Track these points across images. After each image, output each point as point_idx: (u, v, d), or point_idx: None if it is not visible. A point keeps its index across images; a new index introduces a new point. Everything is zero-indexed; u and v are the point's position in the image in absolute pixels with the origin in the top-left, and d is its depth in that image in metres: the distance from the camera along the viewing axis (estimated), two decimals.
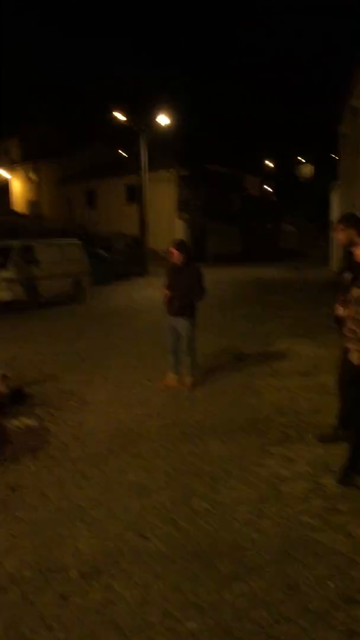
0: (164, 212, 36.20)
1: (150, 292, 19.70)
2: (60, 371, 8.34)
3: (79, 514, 3.87)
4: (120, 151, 44.36)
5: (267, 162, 57.98)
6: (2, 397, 6.29)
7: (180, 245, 7.10)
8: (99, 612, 2.83)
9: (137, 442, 5.33)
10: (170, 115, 29.41)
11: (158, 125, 29.50)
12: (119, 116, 29.42)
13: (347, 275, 4.46)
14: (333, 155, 34.97)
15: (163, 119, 29.24)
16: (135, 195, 34.01)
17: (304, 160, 60.42)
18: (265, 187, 56.62)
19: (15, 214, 41.64)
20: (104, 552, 3.39)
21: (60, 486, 4.34)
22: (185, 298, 7.01)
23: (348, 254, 4.63)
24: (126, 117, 29.55)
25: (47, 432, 5.65)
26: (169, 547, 3.43)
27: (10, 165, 47.36)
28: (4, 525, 3.77)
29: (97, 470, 4.65)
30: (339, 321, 4.53)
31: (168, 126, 29.80)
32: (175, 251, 7.03)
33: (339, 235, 4.69)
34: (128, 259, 27.52)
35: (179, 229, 36.60)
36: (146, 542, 3.49)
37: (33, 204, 45.42)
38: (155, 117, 29.21)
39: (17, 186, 47.75)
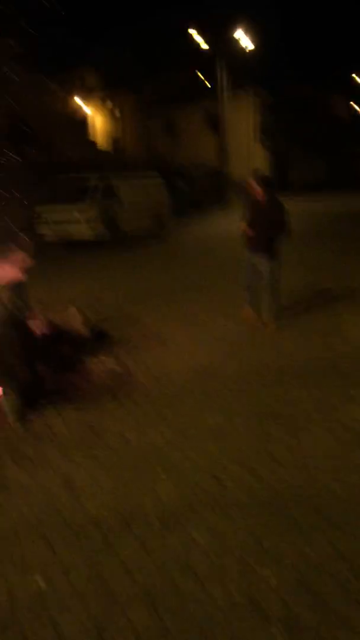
0: (244, 140, 34.98)
1: (229, 224, 19.28)
2: (139, 310, 8.37)
3: (157, 458, 3.90)
4: (200, 76, 42.70)
5: (356, 77, 54.07)
6: (83, 337, 6.38)
7: (261, 179, 6.77)
8: (176, 560, 2.85)
9: (216, 384, 5.28)
10: (251, 35, 27.84)
11: (238, 46, 28.05)
12: (197, 38, 28.16)
13: None
14: None
15: (243, 40, 27.75)
16: (214, 122, 32.94)
17: None
18: (356, 107, 53.11)
19: (95, 147, 41.53)
20: (181, 498, 3.41)
21: (139, 428, 4.38)
22: (266, 234, 6.73)
23: None
24: (204, 38, 28.24)
25: (126, 372, 5.71)
26: (247, 496, 3.40)
27: (87, 94, 46.85)
28: (84, 466, 3.86)
29: (176, 413, 4.66)
30: None
31: (248, 47, 28.28)
32: (255, 184, 6.72)
33: None
34: (207, 189, 26.97)
35: (259, 157, 35.35)
36: (224, 490, 3.48)
37: (113, 137, 45.06)
38: (235, 38, 27.76)
39: (96, 118, 47.41)
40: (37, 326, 5.89)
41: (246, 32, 27.78)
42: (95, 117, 47.04)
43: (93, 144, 41.87)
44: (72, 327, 6.31)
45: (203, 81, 39.01)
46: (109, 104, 45.26)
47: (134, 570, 2.80)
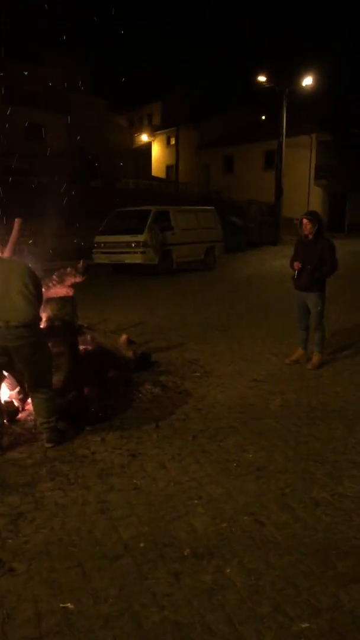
0: (300, 179, 35.10)
1: (282, 262, 19.21)
2: (186, 339, 8.39)
3: (195, 490, 3.85)
4: (260, 116, 43.30)
5: None
6: (128, 362, 6.42)
7: (311, 215, 6.75)
8: (209, 595, 2.78)
9: (259, 420, 5.21)
10: (315, 75, 28.12)
11: (301, 86, 28.35)
12: (261, 77, 28.62)
13: None
14: None
15: (306, 80, 28.04)
16: (272, 161, 33.19)
17: None
18: None
19: (154, 179, 42.43)
20: (217, 532, 3.34)
21: (180, 459, 4.34)
22: (315, 272, 6.68)
23: None
24: (267, 77, 28.68)
25: (170, 401, 5.70)
26: (284, 537, 3.30)
27: (151, 132, 48.16)
28: (123, 492, 3.84)
29: (217, 446, 4.60)
30: None
31: (312, 87, 28.55)
32: (306, 221, 6.70)
33: None
34: (261, 227, 27.06)
35: (315, 197, 35.34)
36: (261, 528, 3.39)
37: (171, 170, 45.96)
38: (298, 78, 28.09)
39: (157, 151, 48.53)
40: (86, 347, 5.98)
41: (309, 71, 28.06)
42: (154, 146, 48.16)
43: (154, 177, 42.81)
44: (120, 353, 6.37)
45: (264, 120, 39.53)
46: (170, 137, 46.30)
47: (164, 602, 2.74)
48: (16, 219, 7.17)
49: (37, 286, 4.49)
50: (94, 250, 17.39)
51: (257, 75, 29.08)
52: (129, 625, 2.59)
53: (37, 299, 4.45)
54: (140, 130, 48.44)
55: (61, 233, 18.01)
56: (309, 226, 6.64)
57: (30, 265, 4.71)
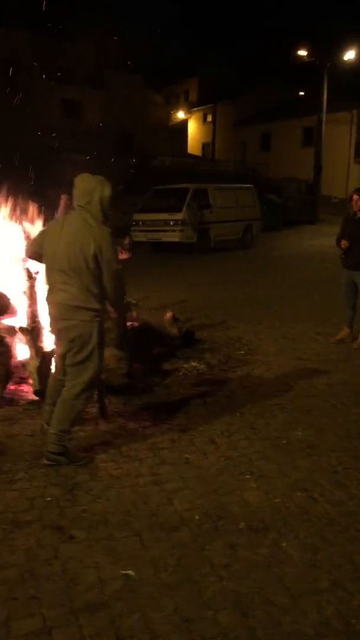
0: (340, 156, 34.33)
1: (321, 241, 18.98)
2: (228, 317, 8.39)
3: (246, 466, 3.88)
4: (298, 91, 42.39)
5: None
6: (173, 339, 6.46)
7: None
8: (267, 568, 2.82)
9: (306, 398, 5.20)
10: (358, 49, 27.34)
11: (342, 60, 27.63)
12: (301, 52, 27.98)
13: None
14: None
15: (348, 54, 27.31)
16: (311, 138, 32.57)
17: None
18: None
19: (190, 156, 42.08)
20: (271, 507, 3.37)
21: (229, 435, 4.37)
22: None
23: None
24: (308, 51, 28.01)
25: (215, 378, 5.72)
26: (339, 513, 3.31)
27: (188, 108, 47.68)
28: (175, 465, 3.89)
29: (265, 423, 4.62)
30: None
31: (354, 61, 27.80)
32: (356, 197, 6.58)
33: None
34: (299, 205, 26.64)
35: (355, 175, 34.56)
36: (315, 504, 3.41)
37: (207, 147, 45.52)
38: (340, 52, 27.36)
39: (193, 128, 48.05)
40: (132, 324, 6.03)
41: (351, 45, 27.32)
42: (190, 123, 47.68)
43: (189, 155, 42.46)
44: (165, 329, 6.41)
45: (302, 95, 38.72)
46: (207, 114, 45.77)
47: (222, 572, 2.79)
48: (62, 196, 7.22)
49: None
50: (132, 228, 17.41)
51: (297, 49, 28.43)
52: (190, 594, 2.64)
53: None
54: (176, 107, 48.00)
55: None
56: (359, 203, 6.53)
57: None
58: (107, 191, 3.88)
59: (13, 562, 2.85)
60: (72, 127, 32.05)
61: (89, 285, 3.78)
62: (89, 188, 3.85)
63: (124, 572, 2.79)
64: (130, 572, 2.79)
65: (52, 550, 2.94)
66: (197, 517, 3.27)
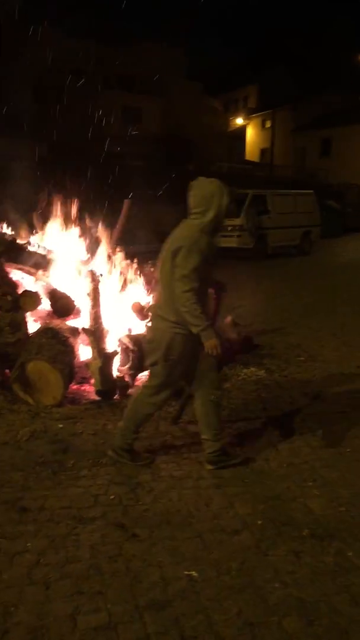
0: None
1: None
2: (286, 323, 8.31)
3: (309, 473, 3.82)
4: None
5: None
6: (233, 343, 6.43)
7: None
8: (332, 576, 2.77)
9: None
10: None
11: None
12: None
13: None
14: None
15: None
16: None
17: None
18: None
19: (247, 162, 41.96)
20: (335, 516, 3.31)
21: (290, 441, 4.32)
22: None
23: None
24: None
25: (275, 384, 5.67)
26: None
27: (247, 115, 47.56)
28: (236, 470, 3.87)
29: (328, 430, 4.54)
30: None
31: None
32: None
33: None
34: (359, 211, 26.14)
35: None
36: None
37: (265, 153, 45.26)
38: None
39: (251, 134, 47.89)
40: None
41: None
42: (249, 129, 47.52)
43: (247, 161, 42.33)
44: (225, 334, 6.39)
45: None
46: (266, 120, 45.53)
47: (286, 578, 2.76)
48: (125, 201, 7.33)
49: None
50: None
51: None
52: (254, 598, 2.62)
53: None
54: (235, 114, 47.95)
55: (156, 217, 18.21)
56: None
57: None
58: (225, 199, 3.56)
59: (78, 557, 2.90)
60: (130, 134, 32.51)
61: (172, 294, 3.56)
62: (207, 194, 3.56)
63: (187, 572, 2.80)
64: (193, 573, 2.79)
65: (116, 548, 2.98)
66: (259, 522, 3.24)
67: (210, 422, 3.87)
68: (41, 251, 6.39)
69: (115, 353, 5.35)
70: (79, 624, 2.44)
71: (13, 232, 6.74)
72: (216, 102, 46.90)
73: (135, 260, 6.68)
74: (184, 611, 2.52)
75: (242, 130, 47.20)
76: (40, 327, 5.63)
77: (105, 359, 5.15)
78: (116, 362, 5.39)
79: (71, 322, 5.82)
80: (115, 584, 2.70)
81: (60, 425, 4.57)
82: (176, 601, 2.60)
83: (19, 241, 6.45)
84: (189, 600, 2.60)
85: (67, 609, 2.53)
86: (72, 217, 6.72)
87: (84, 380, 5.54)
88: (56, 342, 5.25)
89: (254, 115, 47.43)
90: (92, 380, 5.25)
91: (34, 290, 5.79)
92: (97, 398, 5.16)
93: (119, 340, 5.57)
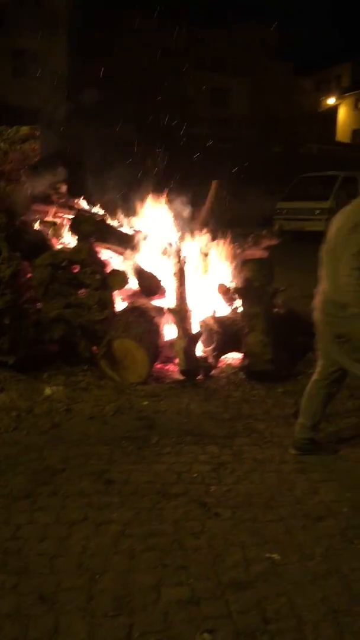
0: None
1: None
2: None
3: None
4: None
5: None
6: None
7: None
8: None
9: None
10: None
11: None
12: None
13: None
14: None
15: None
16: None
17: None
18: None
19: (338, 144, 40.69)
20: None
21: None
22: None
23: None
24: None
25: None
26: None
27: (339, 94, 46.01)
28: (321, 456, 3.79)
29: None
30: None
31: None
32: None
33: None
34: None
35: None
36: None
37: (357, 134, 43.69)
38: None
39: (343, 115, 46.33)
40: (278, 311, 5.96)
41: None
42: (341, 110, 46.01)
43: (338, 142, 41.06)
44: (311, 320, 6.25)
45: None
46: (359, 99, 43.86)
47: None
48: (213, 182, 7.29)
49: None
50: (275, 217, 17.21)
51: None
52: (338, 585, 2.57)
53: None
54: (327, 93, 46.49)
55: (243, 198, 18.04)
56: None
57: None
58: None
59: (162, 530, 2.95)
60: (218, 115, 32.28)
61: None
62: None
63: (269, 555, 2.78)
64: (275, 556, 2.77)
65: (199, 525, 3.01)
66: (344, 510, 3.17)
67: (316, 411, 3.79)
68: (130, 231, 6.48)
69: (199, 334, 5.36)
70: (162, 595, 2.49)
71: (104, 212, 6.88)
72: (307, 81, 45.66)
73: (223, 242, 6.65)
74: (266, 593, 2.51)
75: (333, 110, 45.73)
76: (127, 306, 5.74)
77: (190, 339, 5.18)
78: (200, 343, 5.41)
79: (157, 302, 5.89)
80: (197, 559, 2.73)
81: (145, 403, 4.65)
82: (258, 582, 2.59)
83: (108, 221, 6.57)
84: (271, 583, 2.59)
85: (151, 580, 2.58)
86: (161, 198, 6.77)
87: (168, 360, 5.61)
88: (143, 321, 5.34)
89: (346, 94, 45.81)
90: (176, 360, 5.30)
91: (121, 269, 5.89)
92: (180, 377, 5.20)
93: (204, 322, 5.59)
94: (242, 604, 2.45)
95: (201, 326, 5.59)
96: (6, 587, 2.52)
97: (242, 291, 5.64)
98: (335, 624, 2.35)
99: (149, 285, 5.95)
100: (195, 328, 5.44)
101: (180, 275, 5.66)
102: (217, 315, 5.77)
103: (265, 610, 2.41)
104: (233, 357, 5.77)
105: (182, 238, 6.55)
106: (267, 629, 2.32)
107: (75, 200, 6.77)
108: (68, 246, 6.09)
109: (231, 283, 6.24)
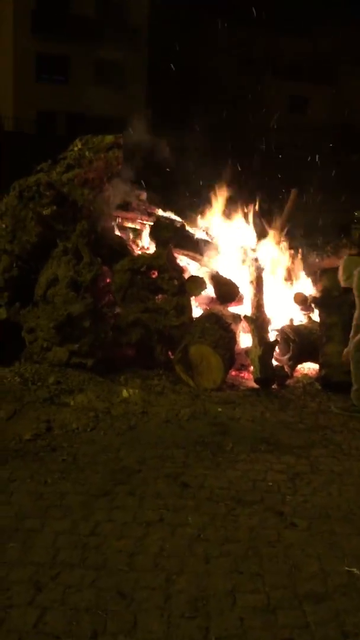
0: None
1: None
2: None
3: None
4: None
5: None
6: None
7: None
8: None
9: None
10: None
11: None
12: None
13: None
14: None
15: None
16: None
17: None
18: None
19: None
20: None
21: None
22: None
23: None
24: None
25: None
26: None
27: None
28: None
29: None
30: None
31: None
32: None
33: None
34: None
35: None
36: None
37: None
38: None
39: None
40: None
41: None
42: None
43: None
44: None
45: None
46: None
47: None
48: (292, 190, 7.24)
49: None
50: (353, 226, 16.82)
51: None
52: None
53: None
54: None
55: (320, 208, 17.75)
56: None
57: None
58: None
59: (237, 537, 2.95)
60: (295, 123, 31.90)
61: None
62: None
63: (347, 568, 2.73)
64: (355, 570, 2.72)
65: (275, 534, 2.99)
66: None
67: None
68: (208, 238, 6.53)
69: (276, 342, 5.33)
70: (238, 601, 2.48)
71: (182, 219, 6.96)
72: None
73: (300, 251, 6.59)
74: (345, 606, 2.47)
75: None
76: (203, 312, 5.77)
77: (266, 347, 5.15)
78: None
79: (233, 309, 5.90)
80: (273, 568, 2.71)
81: (220, 409, 4.66)
82: (336, 595, 2.55)
83: (187, 228, 6.64)
84: (350, 597, 2.54)
85: (227, 585, 2.58)
86: (241, 207, 6.79)
87: (243, 367, 5.60)
88: (219, 328, 5.36)
89: None
90: (251, 368, 5.28)
91: (199, 275, 5.94)
92: (255, 386, 5.18)
93: (281, 330, 5.55)
94: (321, 615, 2.41)
95: (277, 335, 5.55)
96: (85, 581, 2.59)
97: (320, 300, 5.56)
98: None
99: (226, 292, 5.96)
100: (271, 336, 5.41)
101: (258, 283, 5.65)
102: (294, 324, 5.71)
103: (344, 624, 2.37)
104: (309, 367, 5.69)
105: (260, 246, 6.53)
106: None
107: (155, 207, 6.88)
108: (147, 252, 6.19)
109: (309, 292, 6.16)
